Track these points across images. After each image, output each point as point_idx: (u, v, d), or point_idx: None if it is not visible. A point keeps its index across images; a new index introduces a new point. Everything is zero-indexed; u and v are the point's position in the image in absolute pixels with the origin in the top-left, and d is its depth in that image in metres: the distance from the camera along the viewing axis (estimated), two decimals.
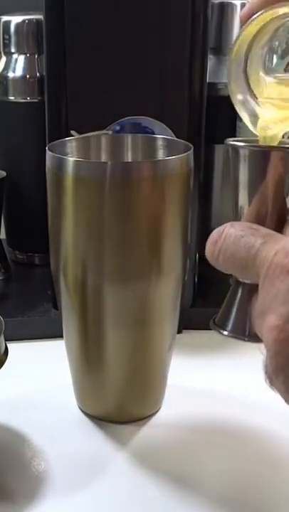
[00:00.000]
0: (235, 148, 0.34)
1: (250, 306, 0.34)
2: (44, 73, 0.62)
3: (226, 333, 0.35)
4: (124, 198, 0.46)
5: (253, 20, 0.33)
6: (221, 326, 0.35)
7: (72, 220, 0.47)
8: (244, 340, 0.34)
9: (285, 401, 0.30)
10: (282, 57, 0.35)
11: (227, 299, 0.35)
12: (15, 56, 0.72)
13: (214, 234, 0.33)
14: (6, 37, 0.71)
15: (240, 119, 0.60)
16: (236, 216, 0.35)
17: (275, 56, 0.35)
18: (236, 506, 0.44)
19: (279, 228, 0.33)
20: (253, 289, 0.33)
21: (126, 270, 0.47)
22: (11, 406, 0.53)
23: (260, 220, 0.33)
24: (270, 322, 0.29)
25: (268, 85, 0.35)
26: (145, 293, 0.48)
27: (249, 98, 0.35)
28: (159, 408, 0.54)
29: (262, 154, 0.33)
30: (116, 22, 0.58)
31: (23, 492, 0.45)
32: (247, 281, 0.34)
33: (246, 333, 0.34)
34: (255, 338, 0.33)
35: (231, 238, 0.32)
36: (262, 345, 0.31)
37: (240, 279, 0.34)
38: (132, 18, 0.58)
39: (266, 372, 0.31)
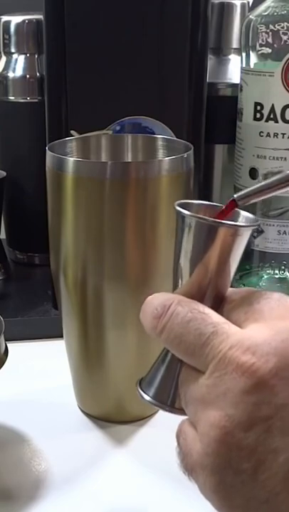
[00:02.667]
0: (182, 215, 0.31)
1: (178, 377, 0.32)
2: (44, 73, 0.62)
3: (147, 398, 0.33)
4: (124, 198, 0.46)
5: None
6: (145, 390, 0.33)
7: (72, 220, 0.47)
8: (165, 409, 0.33)
9: (204, 496, 0.29)
10: None
11: (156, 362, 0.34)
12: (15, 56, 0.72)
13: (158, 307, 0.31)
14: (6, 37, 0.71)
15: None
16: (176, 283, 0.33)
17: None
18: None
19: (216, 304, 0.31)
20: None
21: (126, 270, 0.47)
22: (11, 406, 0.53)
23: (199, 292, 0.31)
24: (215, 419, 0.27)
25: None
26: (145, 293, 0.48)
27: None
28: None
29: (209, 228, 0.30)
30: (116, 22, 0.58)
31: (23, 492, 0.45)
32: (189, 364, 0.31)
33: (168, 402, 0.33)
34: (176, 410, 0.32)
35: (178, 319, 0.30)
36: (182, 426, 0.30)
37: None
38: (132, 18, 0.59)
39: (185, 462, 0.30)
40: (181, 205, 0.32)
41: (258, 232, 0.66)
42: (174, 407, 0.33)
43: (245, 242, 0.31)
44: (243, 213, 0.32)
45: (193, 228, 0.31)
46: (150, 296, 0.32)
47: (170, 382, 0.32)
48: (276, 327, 0.28)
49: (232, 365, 0.27)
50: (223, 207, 0.32)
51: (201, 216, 0.31)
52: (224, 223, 0.30)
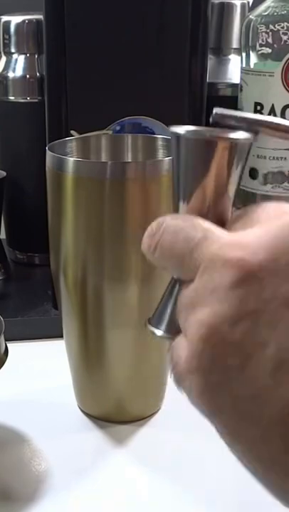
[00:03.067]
0: (177, 136, 0.30)
1: None
2: (44, 73, 0.62)
3: (160, 333, 0.32)
4: (124, 198, 0.46)
5: None
6: (156, 326, 0.32)
7: (72, 220, 0.47)
8: None
9: (192, 404, 0.28)
10: None
11: (163, 297, 0.33)
12: (15, 56, 0.72)
13: (153, 225, 0.30)
14: (6, 37, 0.71)
15: None
16: (176, 209, 0.32)
17: None
18: (236, 506, 0.44)
19: (220, 223, 0.30)
20: None
21: (126, 270, 0.47)
22: (11, 406, 0.53)
23: (200, 213, 0.30)
24: (202, 317, 0.26)
25: None
26: (145, 293, 0.48)
27: None
28: (159, 408, 0.54)
29: (205, 144, 0.29)
30: (116, 22, 0.58)
31: (23, 492, 0.45)
32: (186, 279, 0.30)
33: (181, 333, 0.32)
34: None
35: (170, 231, 0.29)
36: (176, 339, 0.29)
37: (178, 277, 0.31)
38: (132, 18, 0.59)
39: (174, 372, 0.28)
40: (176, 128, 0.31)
41: None
42: None
43: (243, 160, 0.30)
44: (239, 132, 0.31)
45: (189, 147, 0.30)
46: None
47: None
48: (269, 226, 0.27)
49: (220, 262, 0.26)
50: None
51: (196, 132, 0.30)
52: (221, 136, 0.29)
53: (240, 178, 0.31)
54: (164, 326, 0.32)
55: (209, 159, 0.29)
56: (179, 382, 0.28)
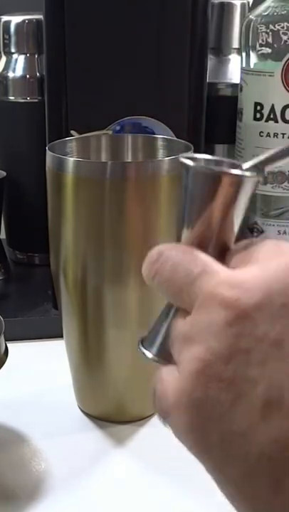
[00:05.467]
0: (186, 166, 0.31)
1: None
2: (44, 73, 0.62)
3: (150, 356, 0.32)
4: (124, 198, 0.46)
5: None
6: (148, 348, 0.33)
7: (72, 220, 0.47)
8: (167, 366, 0.31)
9: (179, 440, 0.28)
10: None
11: (156, 320, 0.33)
12: (15, 56, 0.72)
13: (153, 253, 0.31)
14: (6, 37, 0.71)
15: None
16: (180, 235, 0.32)
17: None
18: None
19: (221, 256, 0.31)
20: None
21: (126, 270, 0.47)
22: (11, 406, 0.53)
23: (203, 243, 0.31)
24: (196, 352, 0.27)
25: None
26: (145, 293, 0.48)
27: None
28: None
29: (211, 178, 0.30)
30: (116, 22, 0.58)
31: (23, 492, 0.45)
32: (181, 307, 0.31)
33: (172, 359, 0.31)
34: None
35: (169, 262, 0.30)
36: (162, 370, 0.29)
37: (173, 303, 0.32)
38: (132, 18, 0.59)
39: (160, 406, 0.29)
40: (186, 158, 0.32)
41: (258, 232, 0.66)
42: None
43: (248, 195, 0.31)
44: (246, 167, 0.32)
45: (197, 178, 0.31)
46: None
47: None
48: (267, 266, 0.28)
49: (217, 299, 0.27)
50: (225, 160, 0.32)
51: (204, 166, 0.31)
52: (227, 172, 0.30)
53: (245, 212, 0.31)
54: (155, 349, 0.32)
55: (215, 192, 0.30)
56: (165, 416, 0.29)
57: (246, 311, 0.26)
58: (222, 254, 0.31)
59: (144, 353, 0.33)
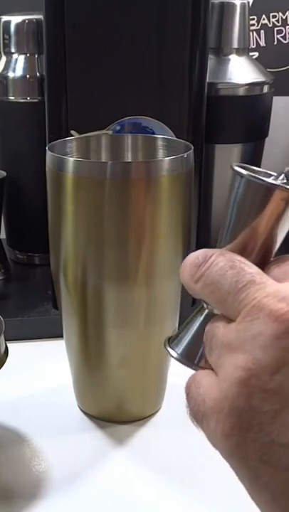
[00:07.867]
0: (240, 175, 0.31)
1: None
2: (44, 73, 0.62)
3: (175, 355, 0.33)
4: (124, 198, 0.46)
5: None
6: (174, 348, 0.33)
7: (72, 220, 0.47)
8: (191, 367, 0.32)
9: (212, 444, 0.29)
10: None
11: (186, 321, 0.34)
12: (15, 56, 0.72)
13: (200, 256, 0.31)
14: (6, 37, 0.71)
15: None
16: (223, 241, 0.33)
17: None
18: (237, 506, 0.44)
19: (261, 266, 0.31)
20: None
21: (126, 270, 0.47)
22: (11, 406, 0.53)
23: (245, 252, 0.31)
24: (241, 361, 0.27)
25: None
26: (145, 293, 0.48)
27: None
28: (159, 408, 0.54)
29: (264, 189, 0.31)
30: (116, 22, 0.58)
31: (23, 492, 0.45)
32: (214, 312, 0.32)
33: (196, 361, 0.32)
34: (201, 368, 0.32)
35: (218, 267, 0.30)
36: (197, 377, 0.30)
37: (207, 307, 0.33)
38: (132, 19, 0.58)
39: (196, 409, 0.29)
40: (238, 167, 0.32)
41: None
42: (200, 366, 0.32)
43: None
44: None
45: (249, 188, 0.31)
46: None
47: (200, 340, 0.32)
48: None
49: (265, 311, 0.27)
50: (275, 174, 0.32)
51: (257, 176, 0.31)
52: (280, 186, 0.30)
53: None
54: (181, 349, 0.33)
55: (265, 205, 0.31)
56: (201, 420, 0.29)
57: None
58: (262, 263, 0.31)
59: (169, 352, 0.33)
